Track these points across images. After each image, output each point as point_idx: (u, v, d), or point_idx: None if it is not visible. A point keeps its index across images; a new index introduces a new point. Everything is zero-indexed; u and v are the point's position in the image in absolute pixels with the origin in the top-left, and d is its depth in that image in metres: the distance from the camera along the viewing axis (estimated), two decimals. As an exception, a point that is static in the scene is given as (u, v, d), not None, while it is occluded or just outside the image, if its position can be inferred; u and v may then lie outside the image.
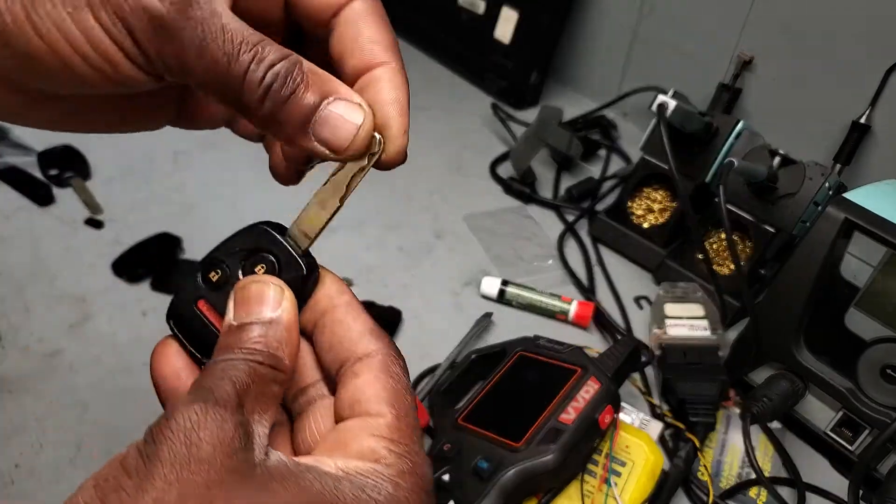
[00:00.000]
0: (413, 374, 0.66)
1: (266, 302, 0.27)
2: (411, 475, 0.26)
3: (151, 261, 0.74)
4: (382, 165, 0.29)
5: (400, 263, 0.80)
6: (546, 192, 0.94)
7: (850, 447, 0.60)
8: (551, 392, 0.56)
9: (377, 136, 0.28)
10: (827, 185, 0.71)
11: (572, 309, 0.73)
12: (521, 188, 0.92)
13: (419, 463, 0.27)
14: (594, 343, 0.72)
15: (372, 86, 0.28)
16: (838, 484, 0.61)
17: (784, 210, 0.72)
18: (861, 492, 0.56)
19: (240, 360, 0.26)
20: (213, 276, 0.30)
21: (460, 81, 1.16)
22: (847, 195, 0.60)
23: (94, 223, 0.79)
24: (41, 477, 0.55)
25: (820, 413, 0.62)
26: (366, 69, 0.28)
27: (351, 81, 0.28)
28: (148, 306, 0.70)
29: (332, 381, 0.30)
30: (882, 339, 0.58)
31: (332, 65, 0.29)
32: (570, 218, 0.89)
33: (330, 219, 0.29)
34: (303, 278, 0.29)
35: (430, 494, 0.27)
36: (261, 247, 0.30)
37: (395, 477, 0.26)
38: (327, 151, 0.27)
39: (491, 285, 0.76)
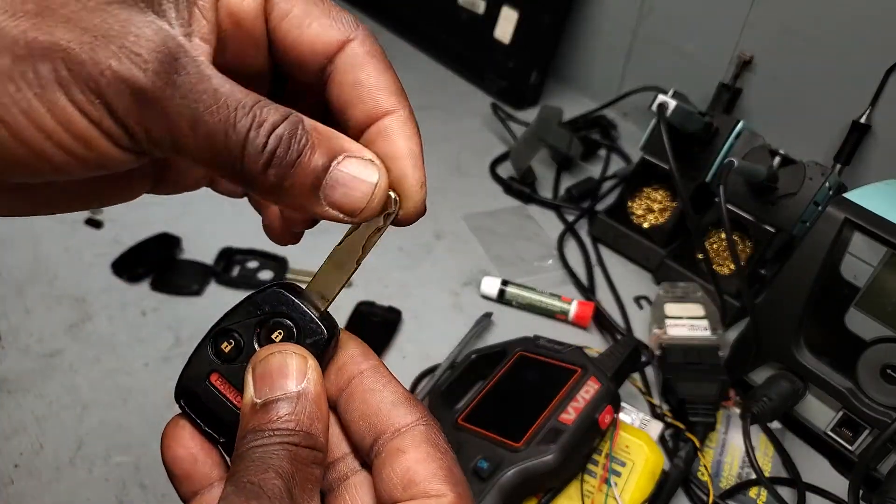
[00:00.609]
0: (413, 375, 0.67)
1: (290, 374, 0.25)
2: None
3: (151, 261, 0.74)
4: (401, 223, 0.27)
5: (400, 263, 0.80)
6: (546, 192, 0.94)
7: (850, 447, 0.60)
8: (551, 392, 0.56)
9: (392, 194, 0.26)
10: (827, 185, 0.71)
11: (572, 309, 0.73)
12: (521, 188, 0.92)
13: None
14: (594, 343, 0.72)
15: (381, 138, 0.26)
16: (838, 484, 0.61)
17: (784, 210, 0.72)
18: (861, 492, 0.56)
19: (275, 444, 0.24)
20: (226, 348, 0.28)
21: (460, 81, 1.16)
22: (847, 195, 0.60)
23: (94, 223, 0.78)
24: (41, 477, 0.55)
25: (820, 413, 0.62)
26: (372, 120, 0.26)
27: (357, 134, 0.26)
28: (148, 306, 0.70)
29: (364, 454, 0.28)
30: (882, 339, 0.57)
31: (331, 116, 0.27)
32: (570, 218, 0.89)
33: (347, 280, 0.28)
34: (325, 343, 0.27)
35: None
36: (276, 311, 0.27)
37: None
38: (340, 215, 0.24)
39: (491, 285, 0.76)
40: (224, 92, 0.22)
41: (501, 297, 0.76)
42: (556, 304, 0.74)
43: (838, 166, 0.81)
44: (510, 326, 0.73)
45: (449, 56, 1.19)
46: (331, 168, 0.24)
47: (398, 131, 0.26)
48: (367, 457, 0.27)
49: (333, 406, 0.28)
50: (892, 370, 0.57)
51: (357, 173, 0.24)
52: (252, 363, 0.26)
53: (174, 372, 0.28)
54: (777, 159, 0.73)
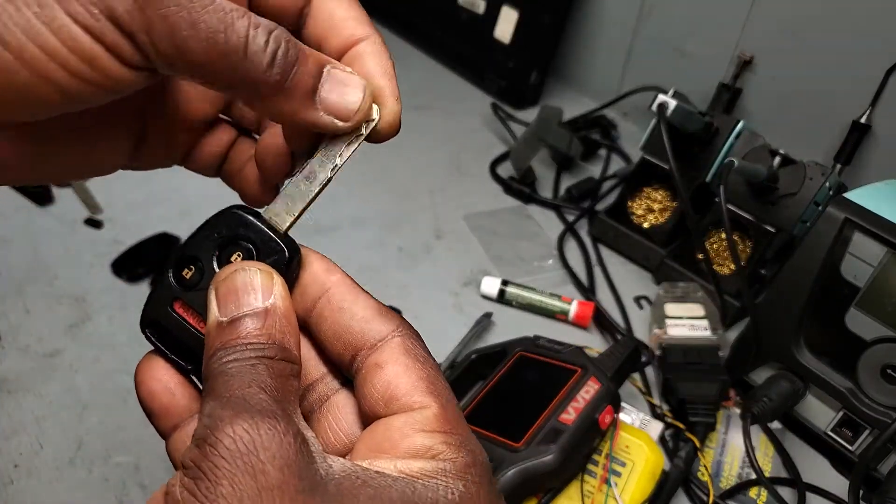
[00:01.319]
0: (413, 374, 0.66)
1: (255, 290, 0.25)
2: (475, 466, 0.24)
3: (151, 261, 0.74)
4: (380, 135, 0.28)
5: (400, 263, 0.80)
6: (546, 191, 0.94)
7: (850, 447, 0.60)
8: (551, 392, 0.56)
9: (374, 106, 0.27)
10: (827, 185, 0.70)
11: (572, 309, 0.73)
12: (521, 188, 0.92)
13: (477, 451, 0.25)
14: (594, 343, 0.72)
15: (358, 60, 0.27)
16: (838, 484, 0.61)
17: (784, 210, 0.72)
18: (861, 492, 0.56)
19: (250, 358, 0.23)
20: (187, 274, 0.27)
21: (460, 81, 1.16)
22: (847, 195, 0.60)
23: (94, 223, 0.78)
24: (41, 477, 0.55)
25: (820, 413, 0.62)
26: (348, 47, 0.28)
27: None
28: (148, 306, 0.70)
29: (346, 371, 0.27)
30: (882, 339, 0.57)
31: None
32: (570, 218, 0.89)
33: (317, 194, 0.27)
34: (285, 262, 0.26)
35: (494, 482, 0.25)
36: (235, 233, 0.27)
37: (461, 472, 0.24)
38: (336, 121, 0.25)
39: (491, 285, 0.76)
40: None
41: (501, 297, 0.76)
42: (556, 304, 0.74)
43: (838, 166, 0.81)
44: (510, 326, 0.73)
45: (449, 56, 1.19)
46: (324, 74, 0.25)
47: (373, 54, 0.27)
48: (348, 374, 0.27)
49: (304, 327, 0.28)
50: (893, 370, 0.57)
51: (345, 79, 0.26)
52: (214, 283, 0.25)
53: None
54: (777, 159, 0.73)
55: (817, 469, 0.63)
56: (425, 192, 0.91)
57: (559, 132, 0.93)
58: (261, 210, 0.28)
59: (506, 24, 1.07)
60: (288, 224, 0.27)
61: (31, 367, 0.63)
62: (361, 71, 0.27)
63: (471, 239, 0.85)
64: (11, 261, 0.73)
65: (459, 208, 0.89)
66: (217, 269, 0.27)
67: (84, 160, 0.29)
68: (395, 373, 0.25)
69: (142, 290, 0.71)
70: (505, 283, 0.76)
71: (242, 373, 0.23)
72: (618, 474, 0.56)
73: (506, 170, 0.96)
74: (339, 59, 0.28)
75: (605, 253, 0.85)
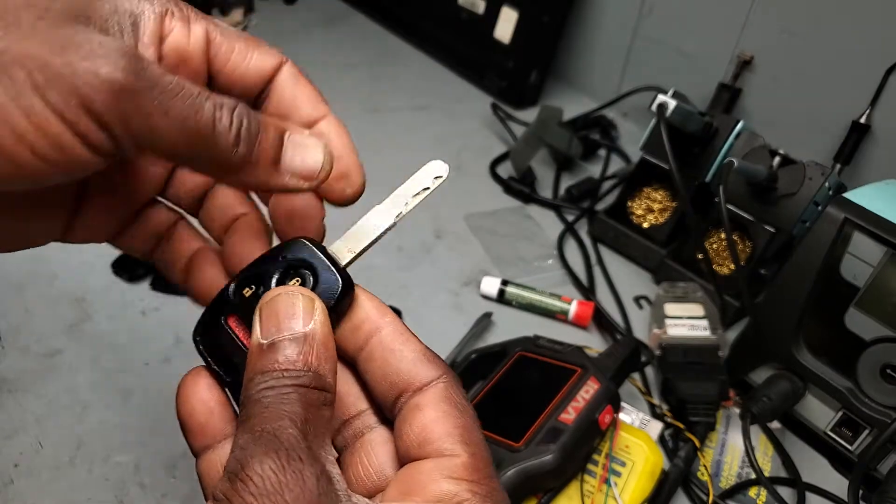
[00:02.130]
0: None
1: (297, 315, 0.25)
2: None
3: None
4: (346, 202, 0.31)
5: (400, 263, 0.80)
6: (546, 191, 0.94)
7: (850, 447, 0.60)
8: (551, 392, 0.56)
9: (443, 164, 0.29)
10: (827, 185, 0.71)
11: (572, 309, 0.73)
12: (521, 188, 0.92)
13: (501, 501, 0.26)
14: (594, 343, 0.72)
15: (324, 137, 0.29)
16: (838, 484, 0.61)
17: (784, 210, 0.72)
18: (861, 492, 0.56)
19: (286, 387, 0.24)
20: (247, 292, 0.28)
21: (460, 81, 1.16)
22: (847, 195, 0.60)
23: (94, 223, 0.78)
24: (41, 477, 0.55)
25: (820, 413, 0.62)
26: (313, 123, 0.31)
27: None
28: (148, 306, 0.70)
29: (388, 412, 0.28)
30: (882, 339, 0.57)
31: None
32: (570, 218, 0.89)
33: (379, 237, 0.29)
34: (339, 294, 0.27)
35: None
36: (298, 260, 0.28)
37: None
38: (302, 183, 0.27)
39: (491, 285, 0.76)
40: (183, 83, 0.24)
41: (501, 297, 0.76)
42: (556, 303, 0.74)
43: (838, 166, 0.81)
44: (510, 326, 0.73)
45: (449, 56, 1.19)
46: (284, 141, 0.27)
47: (333, 133, 0.31)
48: (389, 414, 0.28)
49: (353, 364, 0.29)
50: (892, 370, 0.57)
51: (306, 142, 0.27)
52: (259, 304, 0.26)
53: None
54: (777, 159, 0.73)
55: (817, 469, 0.63)
56: (425, 192, 0.91)
57: (559, 132, 0.93)
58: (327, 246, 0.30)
59: (506, 24, 1.07)
60: (348, 259, 0.29)
61: (31, 367, 0.63)
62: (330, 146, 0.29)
63: (471, 239, 0.85)
64: (11, 261, 0.73)
65: (459, 208, 0.89)
66: None
67: (14, 235, 0.30)
68: (432, 417, 0.26)
69: (142, 290, 0.71)
70: (505, 282, 0.76)
71: (276, 403, 0.24)
72: (617, 474, 0.56)
73: (506, 170, 0.96)
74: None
75: (605, 253, 0.85)
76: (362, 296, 0.29)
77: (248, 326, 0.27)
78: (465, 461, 0.25)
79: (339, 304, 0.28)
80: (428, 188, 0.28)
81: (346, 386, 0.29)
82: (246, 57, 0.29)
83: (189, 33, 0.28)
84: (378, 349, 0.28)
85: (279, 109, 0.30)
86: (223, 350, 0.28)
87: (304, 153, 0.27)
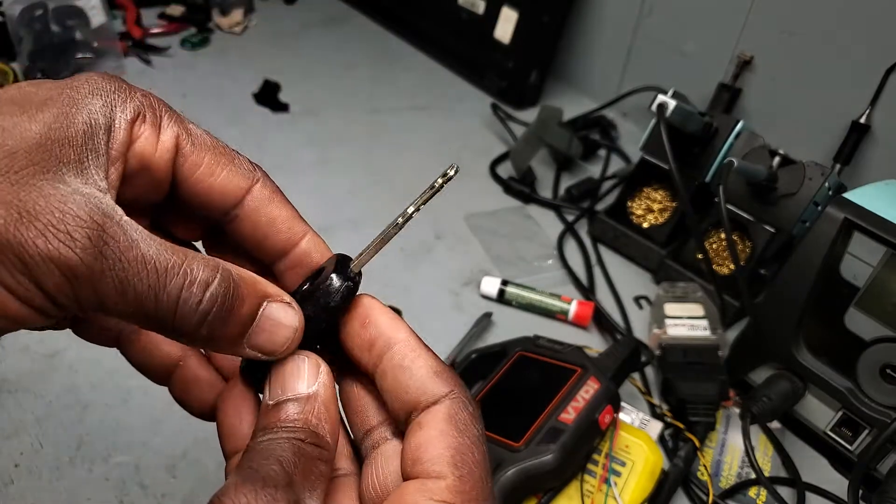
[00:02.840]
0: (413, 374, 0.66)
1: (301, 377, 0.27)
2: None
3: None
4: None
5: (400, 263, 0.80)
6: (546, 192, 0.94)
7: (849, 447, 0.60)
8: (551, 392, 0.56)
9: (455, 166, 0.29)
10: (827, 185, 0.71)
11: (572, 309, 0.73)
12: (521, 188, 0.92)
13: None
14: (594, 343, 0.72)
15: (306, 257, 0.30)
16: (838, 484, 0.61)
17: (784, 210, 0.72)
18: (861, 492, 0.56)
19: (281, 438, 0.25)
20: None
21: (460, 81, 1.16)
22: (847, 195, 0.60)
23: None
24: (41, 477, 0.55)
25: (820, 413, 0.62)
26: (291, 246, 0.30)
27: (274, 257, 0.30)
28: (148, 306, 0.70)
29: (401, 426, 0.29)
30: (882, 339, 0.57)
31: (239, 244, 0.30)
32: (570, 218, 0.89)
33: (384, 235, 0.30)
34: (340, 293, 0.29)
35: None
36: (320, 270, 0.30)
37: None
38: (260, 355, 0.27)
39: (491, 285, 0.76)
40: (152, 256, 0.23)
41: (501, 297, 0.76)
42: (556, 303, 0.74)
43: (838, 166, 0.81)
44: (510, 326, 0.73)
45: (449, 56, 1.19)
46: (257, 315, 0.26)
47: (315, 250, 0.30)
48: (403, 429, 0.28)
49: (370, 378, 0.29)
50: (892, 370, 0.57)
51: (280, 318, 0.27)
52: (272, 367, 0.27)
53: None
54: (777, 159, 0.73)
55: (817, 469, 0.63)
56: (425, 192, 0.91)
57: (559, 132, 0.93)
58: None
59: (506, 25, 1.08)
60: (356, 262, 0.29)
61: (31, 367, 0.63)
62: (312, 266, 0.30)
63: (471, 239, 0.85)
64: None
65: (459, 208, 0.89)
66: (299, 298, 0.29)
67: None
68: (427, 437, 0.26)
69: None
70: (505, 282, 0.76)
71: (269, 449, 0.25)
72: (617, 474, 0.56)
73: (506, 170, 0.96)
74: (281, 256, 0.30)
75: (605, 253, 0.85)
76: (376, 311, 0.30)
77: None
78: (450, 484, 0.25)
79: (343, 302, 0.29)
80: (435, 185, 0.29)
81: (367, 397, 0.30)
82: (213, 174, 0.28)
83: (157, 141, 0.26)
84: (390, 366, 0.28)
85: (254, 233, 0.29)
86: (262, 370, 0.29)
87: (275, 330, 0.26)
